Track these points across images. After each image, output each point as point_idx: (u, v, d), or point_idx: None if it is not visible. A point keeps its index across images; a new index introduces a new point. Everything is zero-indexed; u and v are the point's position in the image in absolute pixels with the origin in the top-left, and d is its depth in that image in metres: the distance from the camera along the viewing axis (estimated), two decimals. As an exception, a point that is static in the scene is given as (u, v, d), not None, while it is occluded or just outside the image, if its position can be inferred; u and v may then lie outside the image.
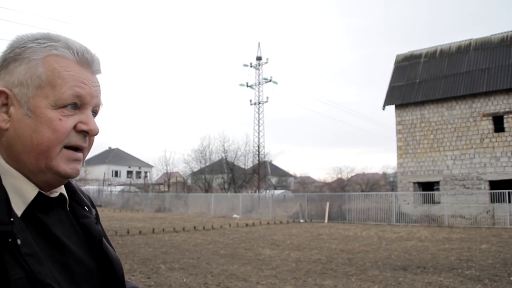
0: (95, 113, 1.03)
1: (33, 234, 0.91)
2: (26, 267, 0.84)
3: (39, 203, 0.96)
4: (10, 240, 0.84)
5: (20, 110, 0.93)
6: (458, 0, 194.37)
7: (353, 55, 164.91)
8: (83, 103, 0.97)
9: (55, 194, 1.02)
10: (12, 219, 0.86)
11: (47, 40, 0.97)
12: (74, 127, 0.96)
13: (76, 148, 0.97)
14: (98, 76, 1.05)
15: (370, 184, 60.67)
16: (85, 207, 1.12)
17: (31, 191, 0.94)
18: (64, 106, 0.94)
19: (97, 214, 1.19)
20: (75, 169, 0.97)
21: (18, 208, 0.91)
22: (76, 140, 0.96)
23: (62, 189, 1.05)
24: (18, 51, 0.96)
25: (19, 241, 0.85)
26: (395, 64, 31.75)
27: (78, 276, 0.97)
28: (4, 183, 0.91)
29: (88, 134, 0.99)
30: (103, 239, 1.10)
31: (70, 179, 1.11)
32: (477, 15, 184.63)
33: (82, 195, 1.16)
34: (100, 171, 68.62)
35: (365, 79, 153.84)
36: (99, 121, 1.05)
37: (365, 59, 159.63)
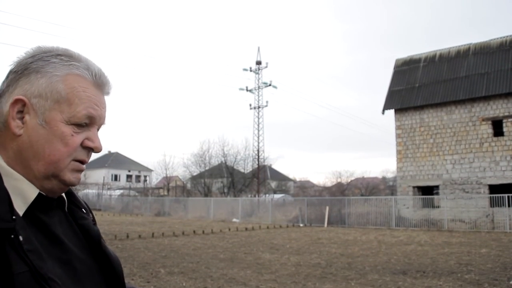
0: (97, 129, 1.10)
1: (35, 233, 0.95)
2: (29, 262, 0.88)
3: (39, 204, 1.00)
4: (12, 236, 0.88)
5: (35, 120, 0.98)
6: (457, 5, 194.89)
7: (351, 60, 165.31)
8: (92, 123, 1.05)
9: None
10: (14, 217, 0.90)
11: (69, 58, 1.03)
12: (81, 143, 1.03)
13: (83, 162, 1.05)
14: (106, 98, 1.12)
15: (369, 188, 60.58)
16: (83, 209, 1.17)
17: (32, 192, 0.98)
18: (76, 124, 1.01)
19: (93, 218, 1.23)
20: (78, 179, 1.05)
21: (20, 208, 0.95)
22: (81, 155, 1.04)
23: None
24: (41, 64, 1.01)
25: (21, 238, 0.89)
26: (394, 68, 31.82)
27: (81, 273, 1.01)
28: (6, 184, 0.94)
29: (93, 151, 1.06)
30: (102, 239, 1.14)
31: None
32: (476, 20, 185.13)
33: (79, 198, 1.21)
34: (100, 175, 68.54)
35: (364, 84, 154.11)
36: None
37: (364, 64, 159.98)
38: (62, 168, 1.00)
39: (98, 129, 1.09)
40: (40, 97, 0.99)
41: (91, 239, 1.11)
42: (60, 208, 1.09)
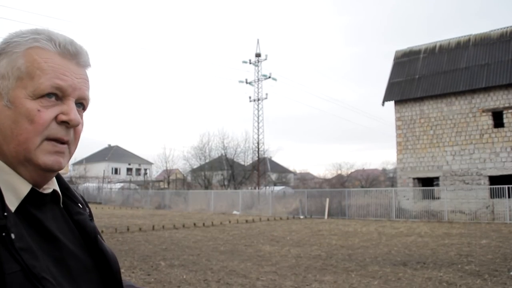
0: (82, 106, 1.02)
1: (27, 229, 0.91)
2: (21, 261, 0.84)
3: (32, 199, 0.96)
4: (3, 234, 0.84)
5: (1, 102, 0.93)
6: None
7: (351, 52, 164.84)
8: (65, 95, 0.96)
9: (48, 190, 1.01)
10: (5, 214, 0.86)
11: (31, 34, 0.97)
12: (56, 118, 0.95)
13: (59, 141, 0.96)
14: (88, 70, 1.04)
15: (369, 180, 60.60)
16: (79, 204, 1.12)
17: (24, 187, 0.94)
18: (43, 96, 0.93)
19: (90, 212, 1.19)
20: (56, 161, 0.95)
21: (12, 203, 0.91)
22: (57, 132, 0.95)
23: (55, 186, 1.05)
24: (3, 46, 0.97)
25: (13, 236, 0.85)
26: (394, 60, 31.72)
27: (75, 271, 0.97)
28: None
29: (69, 125, 0.96)
30: (98, 235, 1.10)
31: (64, 177, 1.11)
32: (476, 11, 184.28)
33: (75, 193, 1.16)
34: (100, 168, 68.57)
35: (363, 76, 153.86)
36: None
37: (363, 56, 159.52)
38: (32, 149, 0.92)
39: (83, 104, 1.02)
40: (2, 78, 0.94)
41: (87, 236, 1.06)
42: (55, 203, 1.05)
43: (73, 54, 0.99)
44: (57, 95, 0.95)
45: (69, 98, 0.96)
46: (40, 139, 0.93)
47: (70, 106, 0.96)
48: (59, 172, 1.04)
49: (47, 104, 0.93)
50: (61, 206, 1.07)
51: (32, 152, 0.93)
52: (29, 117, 0.92)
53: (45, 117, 0.93)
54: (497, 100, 25.72)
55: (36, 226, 0.95)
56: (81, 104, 1.01)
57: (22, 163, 0.94)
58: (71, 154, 1.01)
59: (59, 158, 0.96)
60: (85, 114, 1.05)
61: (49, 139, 0.94)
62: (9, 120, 0.92)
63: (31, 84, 0.93)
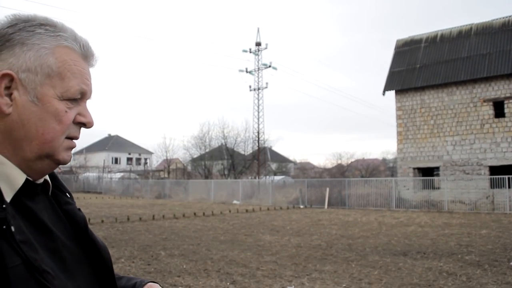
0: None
1: (23, 221, 0.88)
2: (22, 255, 0.82)
3: (25, 190, 0.93)
4: (4, 227, 0.81)
5: (25, 96, 0.91)
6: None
7: (349, 41, 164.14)
8: (83, 97, 1.00)
9: (40, 180, 0.99)
10: (4, 206, 0.84)
11: (54, 29, 0.97)
12: (73, 119, 0.98)
13: (74, 138, 1.00)
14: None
15: (370, 169, 60.70)
16: (67, 194, 1.10)
17: (19, 178, 0.91)
18: (69, 99, 0.95)
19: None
20: (70, 156, 1.00)
21: (7, 195, 0.88)
22: (74, 131, 0.98)
23: (46, 175, 1.02)
24: (26, 35, 0.92)
25: (13, 228, 0.82)
26: (395, 49, 31.58)
27: (69, 262, 0.96)
28: None
29: (85, 126, 1.01)
30: (88, 225, 1.08)
31: (65, 167, 1.08)
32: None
33: (62, 182, 1.14)
34: (100, 158, 68.64)
35: (362, 65, 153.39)
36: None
37: (361, 45, 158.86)
38: (56, 147, 0.94)
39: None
40: (29, 71, 0.91)
41: (77, 226, 1.04)
42: (44, 193, 1.02)
43: (91, 57, 1.03)
44: (79, 97, 0.99)
45: (84, 100, 1.01)
46: (63, 138, 0.96)
47: (86, 108, 1.01)
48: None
49: (71, 106, 0.96)
50: (50, 195, 1.05)
51: (57, 149, 0.95)
52: (58, 117, 0.93)
53: (71, 118, 0.96)
54: (498, 90, 25.65)
55: (31, 217, 0.92)
56: None
57: (41, 158, 0.95)
58: None
59: (71, 152, 1.01)
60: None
61: (68, 137, 0.98)
62: (35, 117, 0.91)
63: (61, 85, 0.94)
